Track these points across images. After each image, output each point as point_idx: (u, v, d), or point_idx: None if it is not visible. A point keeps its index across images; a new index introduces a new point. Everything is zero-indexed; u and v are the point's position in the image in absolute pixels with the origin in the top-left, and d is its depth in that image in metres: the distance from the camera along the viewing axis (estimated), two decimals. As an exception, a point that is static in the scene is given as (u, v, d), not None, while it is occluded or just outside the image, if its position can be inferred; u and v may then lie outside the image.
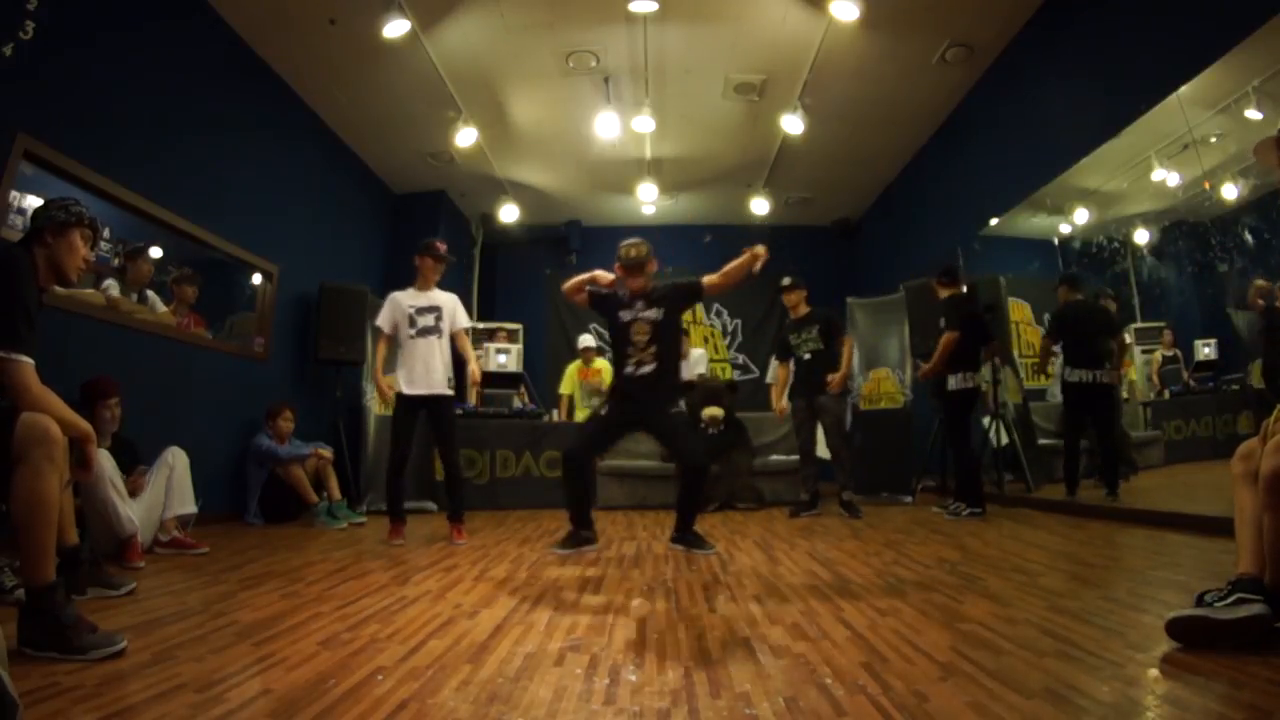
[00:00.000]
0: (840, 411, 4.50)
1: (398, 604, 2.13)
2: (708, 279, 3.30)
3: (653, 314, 3.30)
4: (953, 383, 4.30)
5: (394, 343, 3.84)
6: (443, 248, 3.98)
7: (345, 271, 5.99)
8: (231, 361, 4.73)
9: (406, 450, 3.73)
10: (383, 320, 3.85)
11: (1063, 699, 1.23)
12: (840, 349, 4.57)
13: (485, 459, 5.53)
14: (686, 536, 3.22)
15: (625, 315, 3.32)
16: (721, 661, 1.52)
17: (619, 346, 3.36)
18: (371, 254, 6.96)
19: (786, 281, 4.71)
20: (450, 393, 3.86)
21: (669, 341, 3.34)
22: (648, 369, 3.26)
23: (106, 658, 1.53)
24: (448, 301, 3.91)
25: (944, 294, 4.48)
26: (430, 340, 3.79)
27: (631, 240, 3.38)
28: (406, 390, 3.72)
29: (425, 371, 3.73)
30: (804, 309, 4.70)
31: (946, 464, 5.49)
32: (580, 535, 3.24)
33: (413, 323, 3.80)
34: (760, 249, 3.16)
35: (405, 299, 3.87)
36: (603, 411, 3.40)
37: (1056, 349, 4.45)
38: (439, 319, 3.84)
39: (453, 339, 3.90)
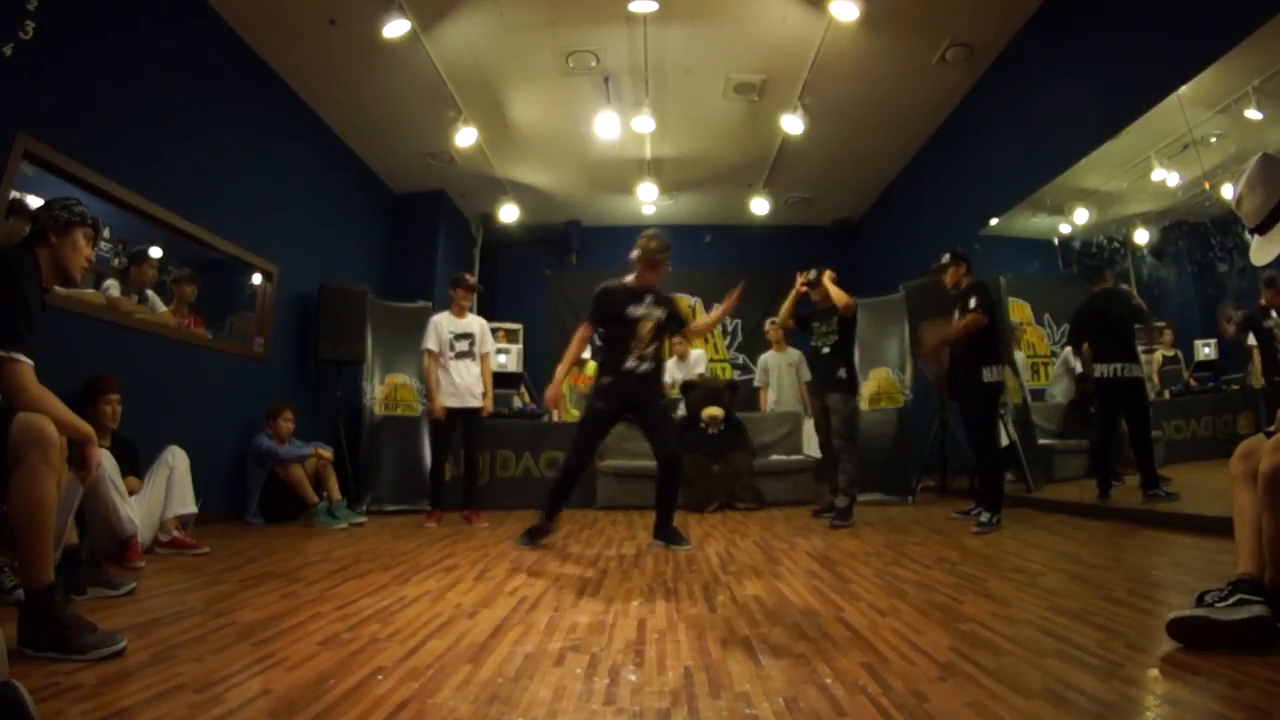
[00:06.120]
0: (846, 411, 4.32)
1: (398, 604, 2.13)
2: (692, 326, 3.52)
3: (659, 313, 3.36)
4: (988, 374, 3.89)
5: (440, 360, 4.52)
6: (472, 280, 4.73)
7: (345, 271, 5.99)
8: (231, 361, 4.73)
9: (446, 451, 4.56)
10: (431, 343, 4.49)
11: (1063, 699, 1.23)
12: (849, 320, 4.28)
13: (485, 459, 5.51)
14: (666, 532, 3.31)
15: (635, 310, 3.32)
16: (721, 661, 1.52)
17: (620, 341, 3.32)
18: (371, 254, 6.96)
19: (812, 275, 4.44)
20: (481, 405, 4.55)
21: (663, 344, 3.42)
22: (647, 367, 3.30)
23: (106, 658, 1.53)
24: (479, 328, 4.63)
25: (964, 279, 4.04)
26: (465, 362, 4.51)
27: (652, 232, 3.45)
28: (449, 404, 4.44)
29: (462, 388, 4.46)
30: (828, 302, 4.41)
31: (947, 464, 5.49)
32: (547, 529, 3.43)
33: (451, 347, 4.50)
34: (736, 293, 3.41)
35: (445, 324, 4.55)
36: (598, 406, 3.37)
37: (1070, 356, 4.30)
38: (472, 344, 4.57)
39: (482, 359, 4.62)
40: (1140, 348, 4.78)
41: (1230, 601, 1.48)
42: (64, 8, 3.18)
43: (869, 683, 1.35)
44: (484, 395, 4.58)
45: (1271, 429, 1.60)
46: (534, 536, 3.38)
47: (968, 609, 1.91)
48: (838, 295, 4.20)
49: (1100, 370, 4.06)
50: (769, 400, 6.39)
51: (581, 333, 3.50)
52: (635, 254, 3.39)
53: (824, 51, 4.93)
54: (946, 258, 4.09)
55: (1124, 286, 4.48)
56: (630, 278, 3.44)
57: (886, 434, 5.52)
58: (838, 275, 4.45)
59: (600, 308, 3.42)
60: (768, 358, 6.49)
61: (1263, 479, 1.50)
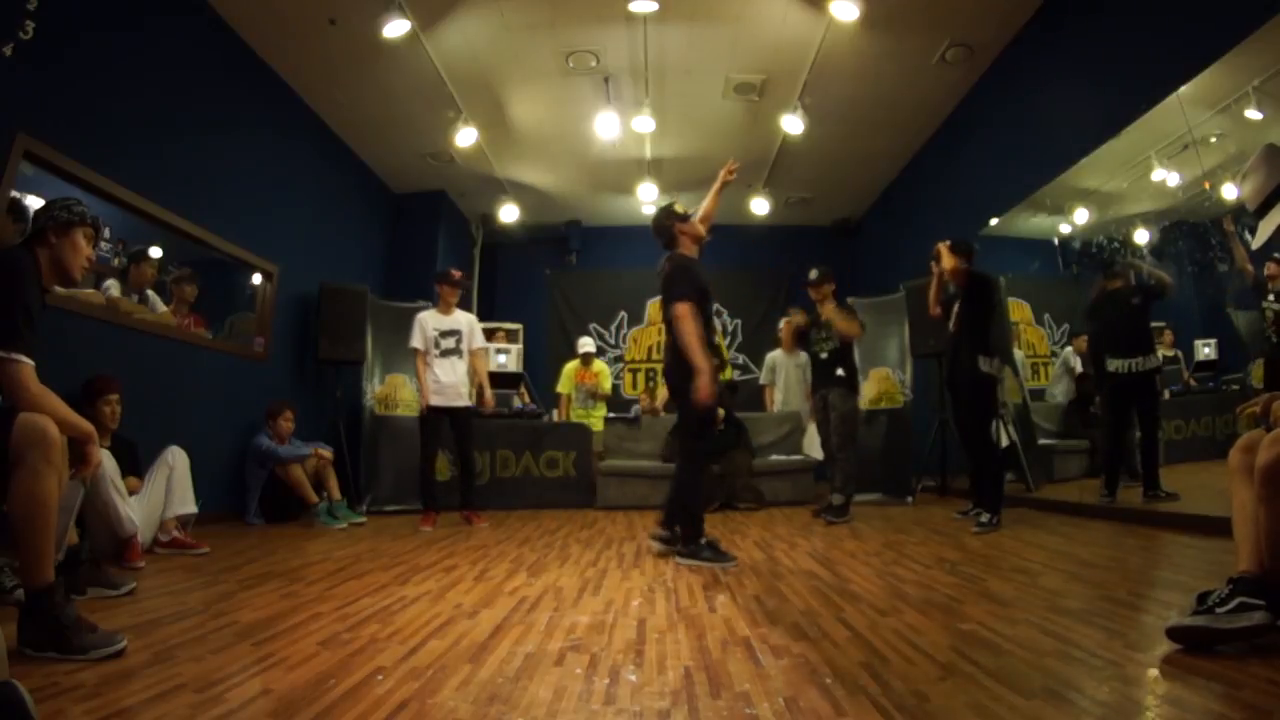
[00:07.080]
0: (847, 410, 4.31)
1: (398, 604, 2.13)
2: (697, 218, 3.16)
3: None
4: (984, 365, 3.70)
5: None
6: (458, 275, 4.60)
7: (345, 271, 5.99)
8: (231, 361, 4.73)
9: (435, 450, 4.47)
10: (417, 341, 4.40)
11: (1063, 699, 1.23)
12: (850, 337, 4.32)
13: (485, 459, 5.51)
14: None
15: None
16: (721, 661, 1.52)
17: (708, 319, 3.06)
18: (371, 254, 6.96)
19: (814, 275, 4.41)
20: (470, 404, 4.51)
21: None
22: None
23: (106, 658, 1.53)
24: (466, 324, 4.53)
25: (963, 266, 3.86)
26: (452, 359, 4.41)
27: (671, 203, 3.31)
28: (434, 402, 4.35)
29: (447, 386, 4.37)
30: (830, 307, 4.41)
31: (947, 464, 5.48)
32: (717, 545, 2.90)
33: (437, 344, 4.40)
34: (731, 165, 3.26)
35: (430, 322, 4.45)
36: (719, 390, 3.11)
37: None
38: (459, 341, 4.47)
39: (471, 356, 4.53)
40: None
41: (1231, 605, 1.46)
42: (64, 8, 3.18)
43: (869, 683, 1.35)
44: (480, 392, 4.51)
45: (1270, 422, 1.59)
46: (714, 552, 2.84)
47: (968, 609, 1.91)
48: (842, 320, 4.28)
49: (1114, 365, 3.96)
50: (776, 400, 6.37)
51: (691, 315, 2.93)
52: (687, 224, 3.13)
53: (824, 51, 4.93)
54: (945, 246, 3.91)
55: (1138, 263, 4.31)
56: (684, 251, 3.15)
57: (886, 434, 5.52)
58: (834, 279, 4.45)
59: (699, 283, 3.01)
60: (776, 356, 6.46)
61: (1259, 472, 1.48)
